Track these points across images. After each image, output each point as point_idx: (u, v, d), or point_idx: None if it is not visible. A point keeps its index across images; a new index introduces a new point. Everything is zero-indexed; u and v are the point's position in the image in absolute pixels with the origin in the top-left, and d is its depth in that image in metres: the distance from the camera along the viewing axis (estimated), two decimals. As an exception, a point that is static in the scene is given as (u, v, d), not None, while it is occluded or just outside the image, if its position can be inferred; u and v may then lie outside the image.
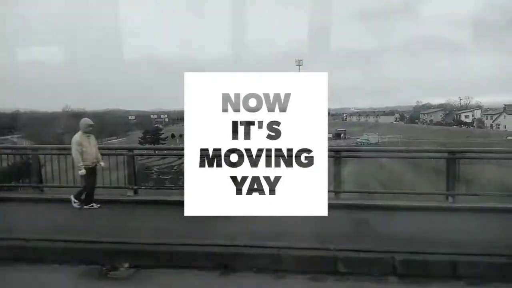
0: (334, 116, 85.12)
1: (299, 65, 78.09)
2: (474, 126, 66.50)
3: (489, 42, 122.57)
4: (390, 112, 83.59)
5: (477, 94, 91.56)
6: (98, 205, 7.64)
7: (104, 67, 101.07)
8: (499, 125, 63.37)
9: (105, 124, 48.77)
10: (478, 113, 71.72)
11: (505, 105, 69.01)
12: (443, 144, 31.62)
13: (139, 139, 44.37)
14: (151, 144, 35.43)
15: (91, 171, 7.67)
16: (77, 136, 7.53)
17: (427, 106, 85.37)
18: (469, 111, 72.93)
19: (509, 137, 45.65)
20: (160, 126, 56.12)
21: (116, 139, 48.70)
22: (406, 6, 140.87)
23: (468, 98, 79.03)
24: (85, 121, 7.74)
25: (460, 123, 69.75)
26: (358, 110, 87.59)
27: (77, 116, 50.90)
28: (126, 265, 5.28)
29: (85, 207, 7.57)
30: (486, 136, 48.89)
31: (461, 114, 73.26)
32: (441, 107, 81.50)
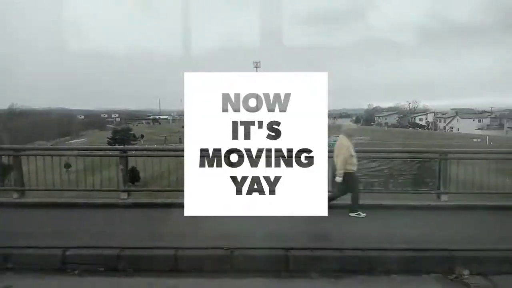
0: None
1: (256, 67, 78.87)
2: (430, 129, 69.89)
3: (432, 49, 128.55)
4: (346, 115, 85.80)
5: (423, 98, 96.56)
6: (365, 214, 7.34)
7: (45, 63, 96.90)
8: (452, 128, 66.89)
9: (56, 124, 47.06)
10: (430, 117, 75.23)
11: (451, 109, 73.40)
12: (408, 146, 32.84)
13: (108, 139, 42.92)
14: (121, 144, 34.08)
15: (355, 176, 7.54)
16: (344, 141, 7.43)
17: (378, 109, 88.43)
18: (423, 115, 76.43)
19: (475, 140, 47.97)
20: (129, 126, 54.57)
21: (72, 139, 47.05)
22: (355, 11, 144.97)
23: (416, 102, 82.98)
24: (350, 125, 7.90)
25: (415, 125, 72.94)
26: None
27: (24, 114, 48.94)
28: (467, 272, 5.13)
29: (350, 215, 7.33)
30: (451, 138, 51.32)
31: (416, 117, 76.70)
32: (391, 110, 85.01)
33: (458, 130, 63.93)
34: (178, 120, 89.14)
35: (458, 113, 67.87)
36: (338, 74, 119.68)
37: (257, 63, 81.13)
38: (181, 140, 51.92)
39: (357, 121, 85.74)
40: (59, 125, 47.13)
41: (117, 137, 43.28)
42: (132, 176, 16.06)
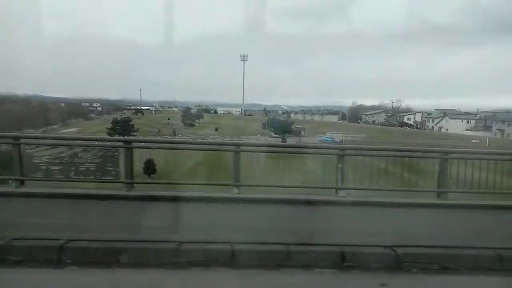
0: (270, 113, 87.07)
1: (244, 60, 78.64)
2: (420, 128, 70.72)
3: (415, 48, 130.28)
4: (333, 112, 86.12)
5: (406, 97, 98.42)
6: None
7: (18, 48, 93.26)
8: (441, 128, 67.71)
9: (41, 112, 45.34)
10: (418, 116, 76.18)
11: (436, 109, 74.63)
12: (408, 145, 32.26)
13: (108, 129, 41.72)
14: (121, 135, 33.29)
15: None
16: None
17: (362, 107, 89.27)
18: (411, 114, 77.29)
19: (474, 140, 48.26)
20: (129, 117, 52.95)
21: (60, 128, 45.29)
22: (339, 7, 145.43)
23: (399, 101, 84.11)
24: None
25: (403, 124, 73.64)
26: (288, 108, 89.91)
27: (7, 101, 46.83)
28: None
29: None
30: (447, 138, 51.57)
31: (404, 116, 77.42)
32: (375, 108, 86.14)
33: (446, 130, 64.67)
34: (160, 111, 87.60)
35: (446, 113, 68.78)
36: (317, 72, 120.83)
37: (244, 56, 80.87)
38: (175, 132, 50.99)
39: (343, 118, 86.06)
40: (43, 113, 45.38)
41: (117, 127, 42.04)
42: (148, 168, 15.60)
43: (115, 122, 44.14)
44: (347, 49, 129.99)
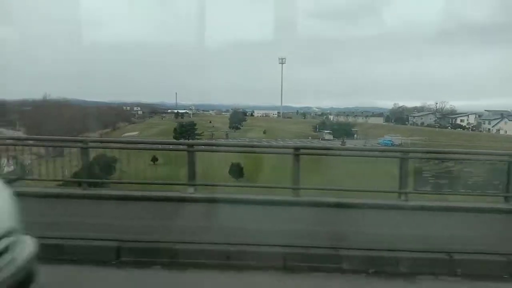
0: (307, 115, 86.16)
1: (282, 63, 78.23)
2: (474, 130, 68.38)
3: (458, 48, 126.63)
4: (378, 114, 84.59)
5: (448, 98, 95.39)
6: None
7: (56, 54, 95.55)
8: (499, 130, 65.01)
9: (92, 116, 45.95)
10: (471, 118, 73.75)
11: (486, 110, 71.85)
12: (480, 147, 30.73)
13: (174, 133, 42.56)
14: (187, 139, 34.03)
15: None
16: None
17: (405, 109, 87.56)
18: (464, 116, 74.87)
19: None
20: (193, 121, 53.70)
21: (114, 132, 45.93)
22: (372, 8, 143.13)
23: (444, 103, 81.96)
24: None
25: (457, 126, 71.33)
26: (319, 109, 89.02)
27: (59, 105, 47.66)
28: None
29: None
30: None
31: (457, 118, 75.05)
32: (417, 109, 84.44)
33: (505, 133, 62.04)
34: (197, 114, 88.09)
35: (504, 115, 66.06)
36: (351, 71, 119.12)
37: (283, 59, 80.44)
38: (227, 136, 50.89)
39: (387, 120, 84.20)
40: (97, 117, 46.05)
41: (182, 130, 42.64)
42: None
43: (180, 125, 44.77)
44: (379, 50, 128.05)
